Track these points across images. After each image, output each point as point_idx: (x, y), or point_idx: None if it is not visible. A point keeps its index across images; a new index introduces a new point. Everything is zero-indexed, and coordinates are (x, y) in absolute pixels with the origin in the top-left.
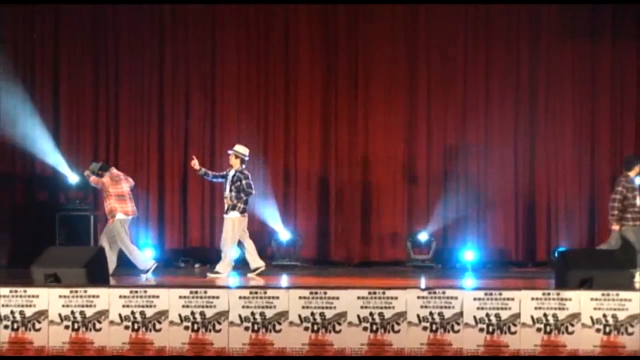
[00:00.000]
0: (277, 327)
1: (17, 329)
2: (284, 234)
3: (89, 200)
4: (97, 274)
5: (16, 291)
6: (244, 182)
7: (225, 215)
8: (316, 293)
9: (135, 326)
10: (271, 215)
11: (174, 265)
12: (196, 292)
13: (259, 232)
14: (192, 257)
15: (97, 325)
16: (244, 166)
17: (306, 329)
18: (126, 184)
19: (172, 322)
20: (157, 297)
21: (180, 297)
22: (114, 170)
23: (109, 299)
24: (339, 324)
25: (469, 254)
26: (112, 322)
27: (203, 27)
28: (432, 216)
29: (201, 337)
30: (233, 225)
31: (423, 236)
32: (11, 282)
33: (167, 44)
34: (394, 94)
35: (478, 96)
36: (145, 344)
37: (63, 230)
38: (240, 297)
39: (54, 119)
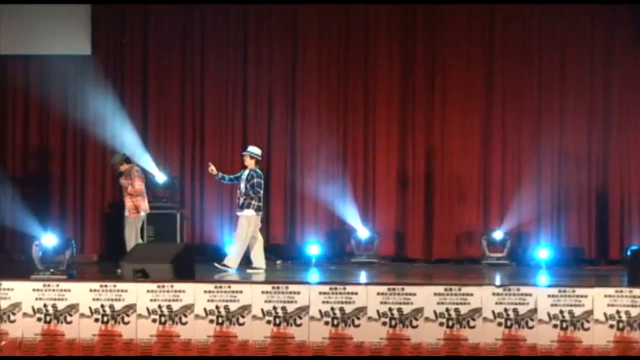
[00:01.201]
0: (356, 322)
1: (107, 322)
2: (362, 232)
3: (175, 199)
4: (183, 269)
5: (106, 286)
6: (255, 180)
7: (239, 213)
8: (394, 289)
9: (220, 320)
10: (350, 213)
11: None
12: (278, 288)
13: (339, 230)
14: (274, 254)
15: (184, 319)
16: (257, 166)
17: (384, 324)
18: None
19: (254, 317)
20: (241, 292)
21: (262, 292)
22: (136, 167)
23: (195, 294)
24: (416, 319)
25: (543, 252)
26: (197, 316)
27: (285, 28)
28: (507, 215)
29: (283, 331)
30: (248, 223)
31: (498, 234)
32: (102, 277)
33: (250, 45)
34: (470, 98)
35: (552, 99)
36: (229, 337)
37: (151, 227)
38: (320, 293)
39: (142, 120)
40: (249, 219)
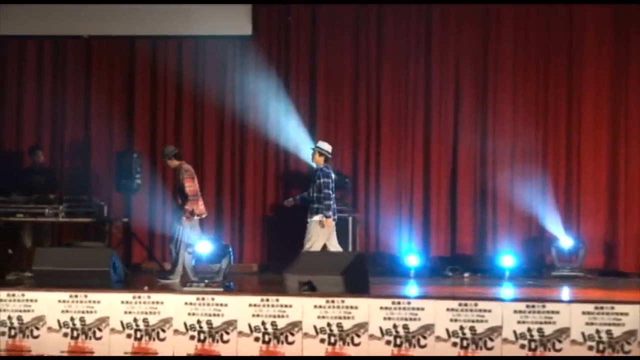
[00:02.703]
0: (489, 344)
1: (269, 342)
2: (565, 241)
3: (347, 201)
4: (355, 282)
5: (268, 300)
6: (322, 180)
7: (309, 219)
8: (533, 307)
9: (398, 341)
10: (551, 219)
11: (440, 274)
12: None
13: (537, 239)
14: (460, 265)
15: (356, 339)
16: (328, 164)
17: (522, 346)
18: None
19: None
20: (422, 309)
21: (447, 309)
22: (186, 165)
23: (369, 311)
24: (559, 341)
25: None
26: (371, 336)
27: (475, 23)
28: None
29: (404, 352)
30: (316, 229)
31: None
32: (263, 290)
33: (435, 30)
34: None
35: None
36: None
37: None
38: (447, 309)
39: (310, 109)
40: (318, 224)
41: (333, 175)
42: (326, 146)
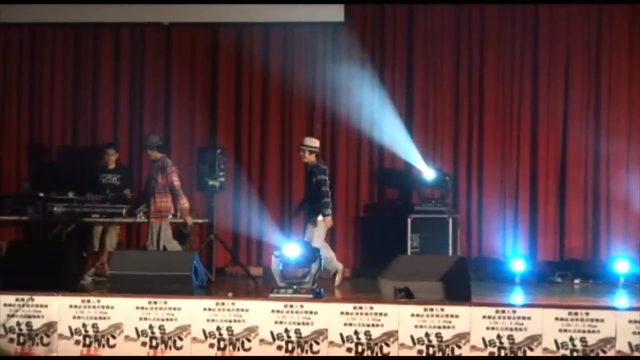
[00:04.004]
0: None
1: (362, 352)
2: None
3: (447, 201)
4: (456, 288)
5: (361, 308)
6: (318, 177)
7: (310, 219)
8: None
9: (503, 353)
10: None
11: (548, 280)
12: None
13: None
14: (570, 271)
15: (457, 351)
16: (319, 160)
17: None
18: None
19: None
20: (529, 318)
21: (556, 318)
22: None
23: (471, 319)
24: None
25: None
26: (473, 347)
27: (586, 18)
28: None
29: None
30: (318, 227)
31: None
32: (356, 297)
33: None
34: None
35: None
36: None
37: (416, 235)
38: (556, 319)
39: (407, 101)
40: (319, 223)
41: (327, 170)
42: (313, 142)
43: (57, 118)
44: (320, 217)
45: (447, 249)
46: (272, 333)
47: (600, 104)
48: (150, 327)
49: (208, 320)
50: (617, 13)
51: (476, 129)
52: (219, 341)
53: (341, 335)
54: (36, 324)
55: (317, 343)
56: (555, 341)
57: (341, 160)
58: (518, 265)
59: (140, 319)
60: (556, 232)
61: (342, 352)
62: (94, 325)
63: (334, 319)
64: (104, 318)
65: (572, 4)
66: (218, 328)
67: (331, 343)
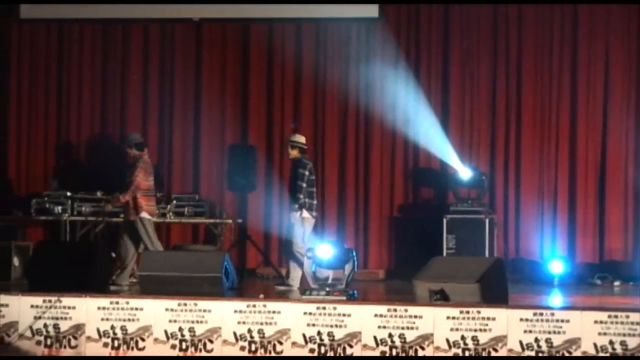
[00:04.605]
0: None
1: (397, 356)
2: None
3: (483, 201)
4: (493, 291)
5: (395, 310)
6: (298, 171)
7: (293, 214)
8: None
9: (540, 356)
10: None
11: (587, 282)
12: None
13: None
14: (610, 273)
15: (493, 353)
16: (303, 156)
17: None
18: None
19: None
20: (567, 321)
21: (595, 321)
22: (146, 157)
23: (507, 323)
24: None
25: None
26: (510, 351)
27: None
28: None
29: None
30: (295, 226)
31: None
32: (389, 299)
33: (582, 30)
34: None
35: None
36: None
37: (452, 236)
38: (595, 322)
39: (442, 98)
40: (296, 220)
41: (310, 167)
42: (298, 138)
43: (85, 116)
44: (297, 214)
45: (483, 250)
46: (304, 335)
47: None
48: (180, 329)
49: (239, 323)
50: None
51: (513, 127)
52: (250, 344)
53: (375, 338)
54: (64, 326)
55: (351, 346)
56: (595, 344)
57: (375, 159)
58: (556, 266)
59: (170, 321)
60: (595, 233)
61: (375, 354)
62: (123, 328)
63: (367, 321)
64: (133, 320)
65: (612, 4)
66: (249, 330)
67: (365, 346)
